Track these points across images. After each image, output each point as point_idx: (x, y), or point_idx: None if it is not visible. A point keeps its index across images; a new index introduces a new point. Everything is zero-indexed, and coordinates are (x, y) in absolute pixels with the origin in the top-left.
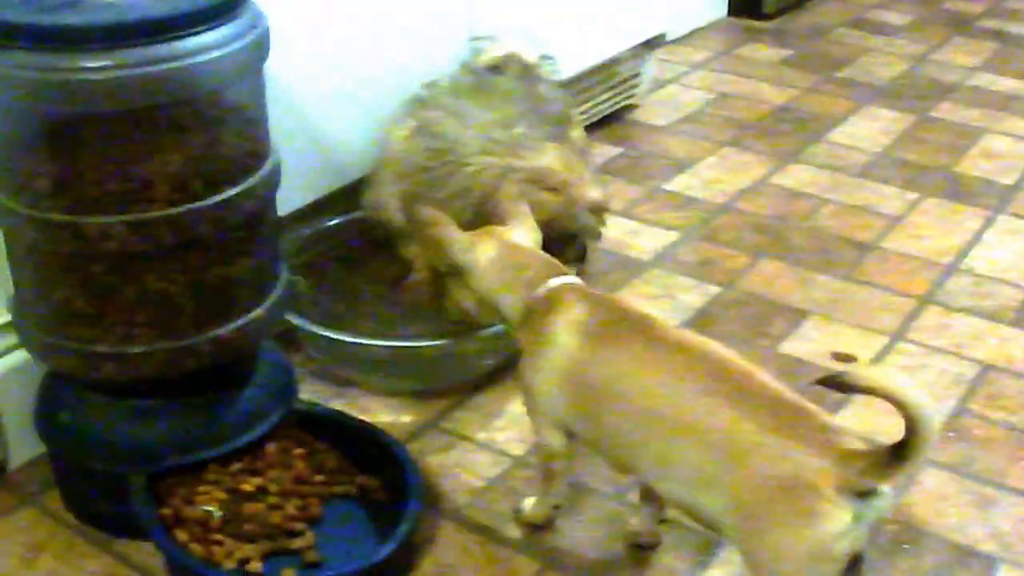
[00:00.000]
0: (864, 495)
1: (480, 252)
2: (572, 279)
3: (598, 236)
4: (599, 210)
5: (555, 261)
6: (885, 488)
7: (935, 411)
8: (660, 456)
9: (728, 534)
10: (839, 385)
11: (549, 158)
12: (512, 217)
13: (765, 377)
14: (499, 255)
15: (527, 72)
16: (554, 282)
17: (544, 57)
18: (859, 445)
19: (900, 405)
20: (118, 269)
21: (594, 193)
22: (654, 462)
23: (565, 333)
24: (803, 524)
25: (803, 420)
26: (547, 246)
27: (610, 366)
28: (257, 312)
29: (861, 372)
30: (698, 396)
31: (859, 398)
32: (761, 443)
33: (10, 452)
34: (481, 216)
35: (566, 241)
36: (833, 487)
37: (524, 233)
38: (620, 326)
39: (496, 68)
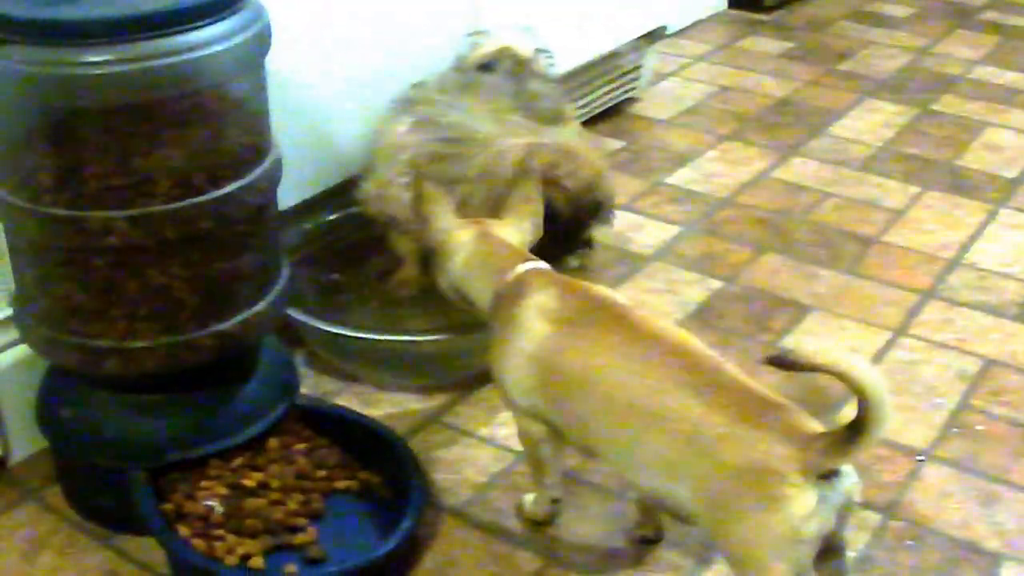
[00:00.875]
0: (827, 476)
1: (456, 237)
2: (540, 264)
3: (610, 218)
4: (608, 180)
5: (524, 251)
6: (847, 468)
7: (884, 385)
8: (628, 446)
9: (699, 523)
10: (784, 363)
11: (567, 133)
12: (510, 212)
13: (734, 370)
14: (473, 244)
15: (521, 67)
16: (522, 267)
17: (540, 51)
18: (819, 429)
19: (848, 381)
20: (120, 264)
21: (603, 163)
22: (623, 451)
23: (533, 318)
24: (770, 509)
25: (769, 411)
26: (574, 223)
27: (579, 354)
28: (259, 307)
29: (806, 350)
30: (668, 387)
31: None
32: (728, 434)
33: (12, 447)
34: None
35: (592, 211)
36: (796, 471)
37: (512, 228)
38: (589, 313)
39: (489, 63)
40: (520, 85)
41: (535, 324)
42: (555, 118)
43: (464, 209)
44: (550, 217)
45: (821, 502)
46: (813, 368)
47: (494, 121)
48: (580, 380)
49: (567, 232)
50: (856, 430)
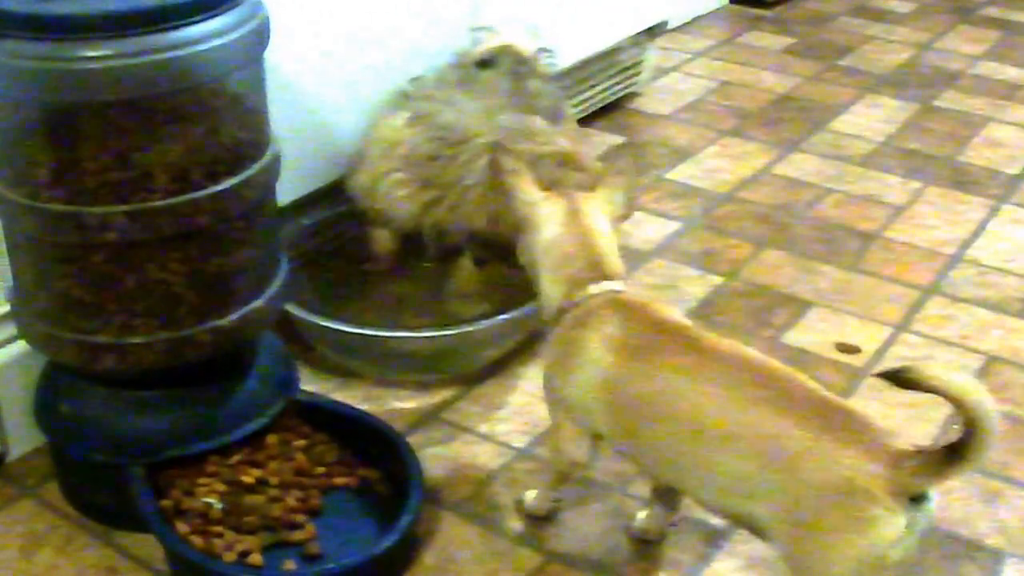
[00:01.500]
0: (917, 500)
1: (544, 215)
2: (614, 286)
3: None
4: None
5: (604, 262)
6: (934, 494)
7: (995, 412)
8: (707, 468)
9: (775, 540)
10: (900, 381)
11: (564, 141)
12: (605, 184)
13: (807, 381)
14: (560, 230)
15: (521, 65)
16: (595, 288)
17: (542, 50)
18: (908, 447)
19: (961, 404)
20: (118, 259)
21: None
22: (700, 474)
23: (601, 349)
24: (857, 531)
25: (851, 423)
26: None
27: (650, 381)
28: (257, 302)
29: (923, 369)
30: (744, 405)
31: (864, 390)
32: (812, 449)
33: (10, 443)
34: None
35: None
36: (887, 491)
37: (604, 202)
38: (657, 340)
39: (489, 60)
40: (519, 83)
41: (604, 355)
42: (553, 117)
43: (458, 213)
44: None
45: (909, 527)
46: (927, 389)
47: (489, 123)
48: (653, 407)
49: None
50: (958, 453)
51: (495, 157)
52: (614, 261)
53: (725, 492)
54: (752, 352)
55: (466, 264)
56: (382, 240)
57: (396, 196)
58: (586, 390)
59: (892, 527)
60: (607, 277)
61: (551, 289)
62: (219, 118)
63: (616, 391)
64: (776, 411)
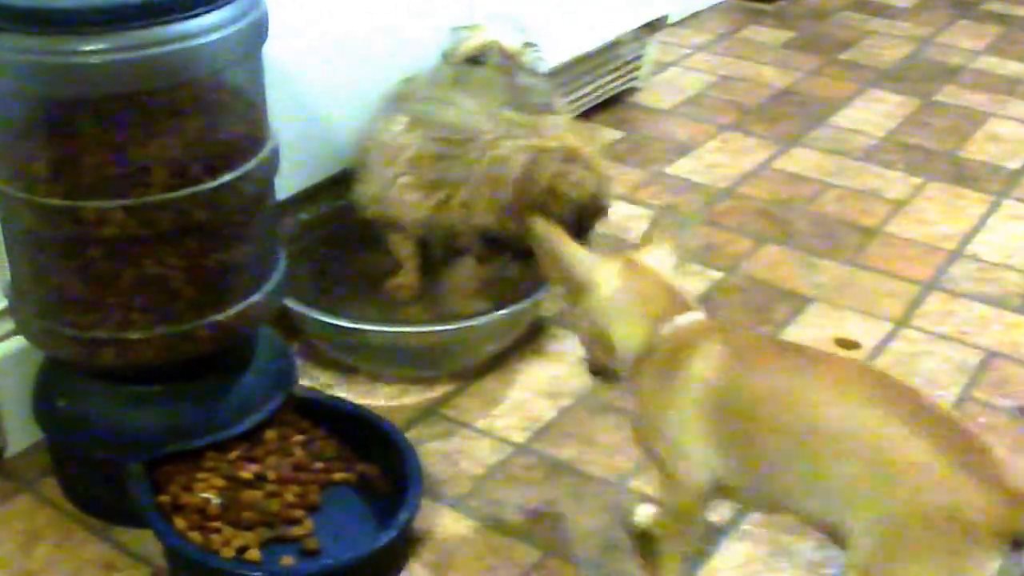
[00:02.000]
0: (1019, 544)
1: (602, 274)
2: (700, 316)
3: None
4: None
5: (683, 294)
6: None
7: None
8: (812, 471)
9: (857, 551)
10: None
11: (570, 136)
12: (653, 241)
13: (934, 399)
14: (624, 281)
15: (508, 61)
16: (682, 320)
17: (528, 45)
18: None
19: None
20: (116, 254)
21: (606, 166)
22: (804, 478)
23: (703, 369)
24: (947, 564)
25: (974, 448)
26: (584, 224)
27: (760, 386)
28: (256, 297)
29: None
30: (860, 406)
31: None
32: (928, 464)
33: (8, 439)
34: (521, 200)
35: (596, 216)
36: (991, 531)
37: (661, 257)
38: (762, 349)
39: (476, 57)
40: (510, 79)
41: (705, 371)
42: (547, 111)
43: (469, 211)
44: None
45: (1001, 573)
46: None
47: (490, 119)
48: (764, 412)
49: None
50: None
51: (529, 225)
52: (691, 295)
53: (827, 500)
54: (869, 365)
55: (467, 261)
56: (402, 247)
57: (407, 201)
58: (691, 410)
59: (984, 569)
60: (689, 309)
61: (630, 334)
62: (217, 112)
63: (723, 405)
64: (899, 417)
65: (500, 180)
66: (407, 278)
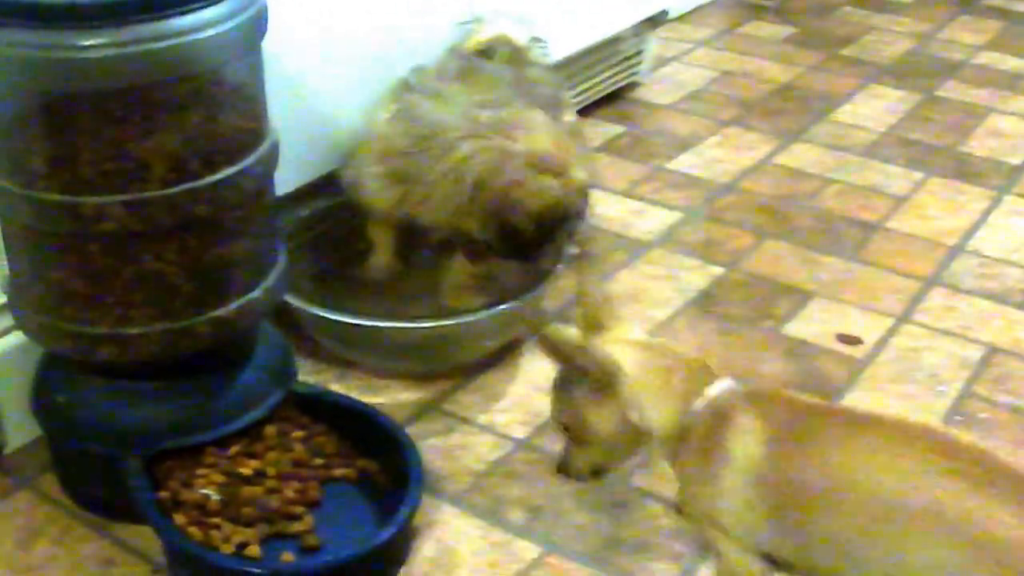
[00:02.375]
0: None
1: (625, 359)
2: (731, 383)
3: (584, 218)
4: (584, 191)
5: (707, 365)
6: None
7: None
8: (891, 552)
9: None
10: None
11: (543, 139)
12: (613, 319)
13: (1004, 458)
14: (646, 357)
15: (517, 55)
16: (714, 390)
17: (535, 39)
18: None
19: None
20: (115, 250)
21: (581, 173)
22: (887, 563)
23: (748, 445)
24: None
25: None
26: (545, 233)
27: (816, 466)
28: (255, 293)
29: None
30: (935, 478)
31: (866, 383)
32: (1020, 538)
33: (7, 435)
34: (475, 204)
35: (560, 225)
36: None
37: (635, 332)
38: (811, 421)
39: (485, 51)
40: (519, 72)
41: (752, 450)
42: (554, 105)
43: (425, 208)
44: (511, 234)
45: None
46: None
47: (463, 117)
48: (826, 494)
49: (529, 244)
50: None
51: (542, 340)
52: (713, 362)
53: None
54: (922, 421)
55: (460, 258)
56: (376, 231)
57: (373, 190)
58: (742, 494)
59: None
60: (716, 377)
61: (662, 411)
62: (217, 107)
63: (776, 486)
64: (974, 487)
65: (457, 181)
66: (377, 260)
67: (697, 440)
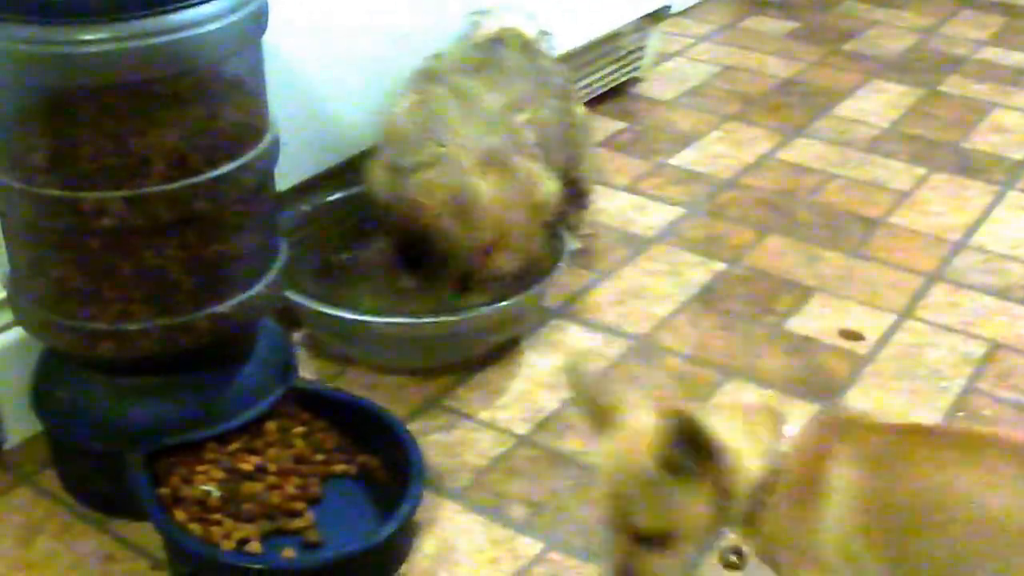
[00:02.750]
0: None
1: (719, 428)
2: (791, 426)
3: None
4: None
5: (768, 404)
6: None
7: None
8: (998, 572)
9: None
10: None
11: (543, 186)
12: (623, 406)
13: None
14: (725, 419)
15: (527, 46)
16: (791, 428)
17: (542, 32)
18: None
19: None
20: (115, 245)
21: (542, 193)
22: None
23: (844, 471)
24: None
25: None
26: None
27: (917, 487)
28: (256, 289)
29: None
30: None
31: (868, 378)
32: None
33: (6, 431)
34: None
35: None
36: None
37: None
38: (903, 441)
39: (497, 43)
40: (532, 62)
41: (851, 476)
42: (565, 96)
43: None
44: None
45: None
46: None
47: (465, 119)
48: (927, 515)
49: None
50: None
51: (662, 457)
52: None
53: None
54: (1016, 434)
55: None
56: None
57: (370, 177)
58: (847, 523)
59: None
60: (784, 420)
61: (757, 468)
62: (217, 102)
63: (880, 511)
64: None
65: (435, 185)
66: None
67: (792, 479)
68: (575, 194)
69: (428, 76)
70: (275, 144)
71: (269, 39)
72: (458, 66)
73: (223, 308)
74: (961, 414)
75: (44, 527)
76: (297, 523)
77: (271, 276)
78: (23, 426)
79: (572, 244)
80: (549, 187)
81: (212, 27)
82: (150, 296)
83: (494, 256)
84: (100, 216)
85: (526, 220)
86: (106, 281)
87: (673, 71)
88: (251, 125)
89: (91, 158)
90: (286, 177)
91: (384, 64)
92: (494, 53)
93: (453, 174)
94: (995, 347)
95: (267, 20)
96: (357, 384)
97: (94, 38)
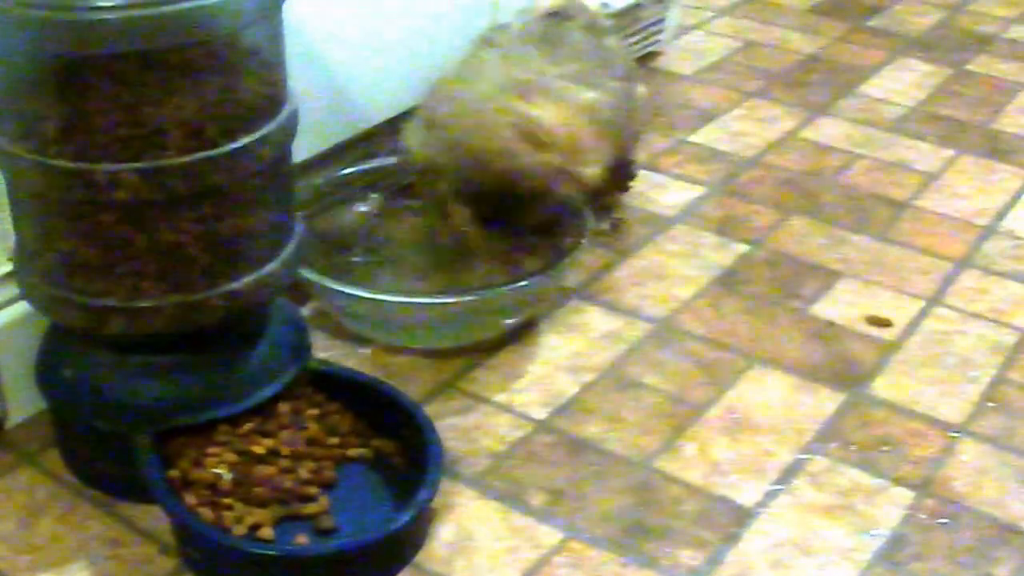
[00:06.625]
0: None
1: None
2: None
3: (582, 217)
4: (589, 188)
5: None
6: None
7: None
8: None
9: None
10: None
11: (547, 110)
12: None
13: None
14: None
15: (592, 23)
16: None
17: (603, 5)
18: None
19: None
20: (128, 219)
21: (589, 169)
22: None
23: None
24: None
25: None
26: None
27: None
28: (272, 266)
29: None
30: None
31: (896, 366)
32: None
33: (9, 409)
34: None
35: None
36: None
37: None
38: None
39: (558, 13)
40: (597, 39)
41: None
42: (628, 78)
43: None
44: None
45: None
46: None
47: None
48: None
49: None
50: None
51: None
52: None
53: None
54: None
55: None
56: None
57: (410, 136)
58: None
59: None
60: None
61: None
62: (235, 73)
63: None
64: None
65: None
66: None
67: None
68: (623, 176)
69: (484, 43)
70: (294, 116)
71: (288, 7)
72: (519, 39)
73: (238, 285)
74: (991, 404)
75: (48, 509)
76: (311, 508)
77: (287, 253)
78: (26, 404)
79: (602, 223)
80: (593, 168)
81: None
82: (163, 272)
83: (577, 174)
84: (114, 189)
85: (592, 136)
86: (118, 256)
87: (693, 45)
88: (270, 97)
89: (105, 129)
90: (300, 149)
91: (407, 34)
92: (561, 30)
93: (505, 108)
94: None
95: None
96: (371, 365)
97: (109, 5)
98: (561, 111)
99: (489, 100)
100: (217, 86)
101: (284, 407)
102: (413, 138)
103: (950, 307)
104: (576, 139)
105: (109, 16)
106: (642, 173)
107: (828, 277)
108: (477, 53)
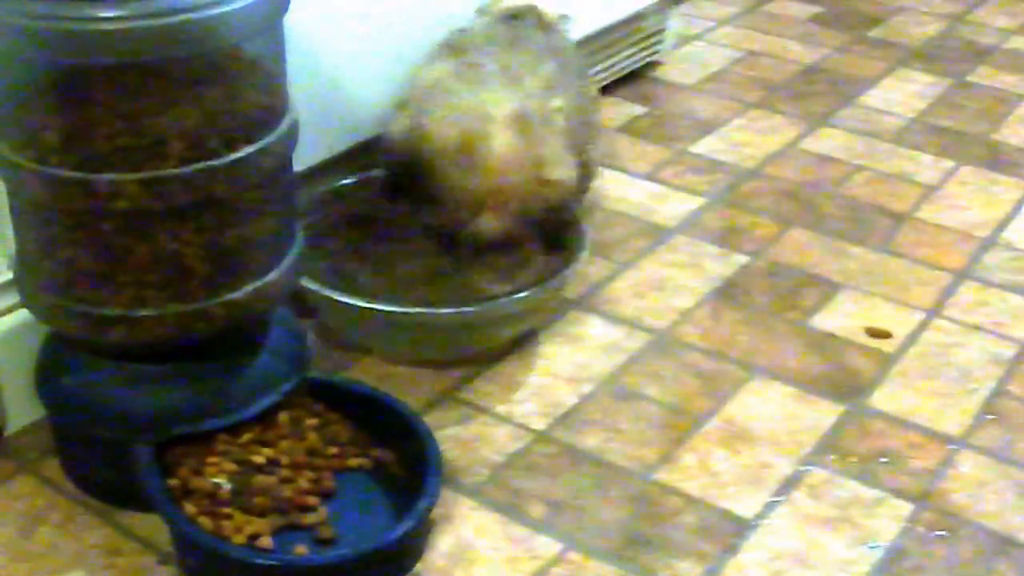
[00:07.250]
0: None
1: None
2: None
3: (568, 218)
4: (565, 192)
5: None
6: None
7: None
8: None
9: None
10: None
11: (500, 139)
12: None
13: None
14: None
15: (547, 26)
16: None
17: (563, 16)
18: None
19: None
20: (129, 228)
21: (560, 174)
22: None
23: None
24: None
25: None
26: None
27: None
28: (272, 275)
29: None
30: None
31: (895, 377)
32: None
33: (8, 416)
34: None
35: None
36: None
37: None
38: None
39: (516, 16)
40: (552, 39)
41: None
42: (582, 76)
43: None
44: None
45: None
46: None
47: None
48: None
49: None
50: None
51: None
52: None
53: None
54: None
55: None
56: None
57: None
58: None
59: None
60: None
61: None
62: (236, 83)
63: None
64: None
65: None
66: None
67: None
68: (582, 179)
69: (455, 49)
70: (295, 127)
71: (289, 18)
72: (486, 41)
73: (238, 295)
74: (990, 417)
75: (46, 517)
76: (310, 518)
77: (287, 263)
78: (26, 412)
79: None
80: (565, 172)
81: (233, 6)
82: (164, 281)
83: (482, 215)
84: (114, 198)
85: (528, 190)
86: (119, 266)
87: (693, 55)
88: (271, 107)
89: (106, 138)
90: (300, 159)
91: (406, 43)
92: (522, 33)
93: (474, 118)
94: None
95: (289, 0)
96: (370, 375)
97: (111, 15)
98: (519, 150)
99: (474, 109)
100: (218, 97)
101: (284, 417)
102: (396, 127)
103: (950, 319)
104: (506, 184)
105: (111, 27)
106: (642, 183)
107: (828, 288)
108: (455, 59)
